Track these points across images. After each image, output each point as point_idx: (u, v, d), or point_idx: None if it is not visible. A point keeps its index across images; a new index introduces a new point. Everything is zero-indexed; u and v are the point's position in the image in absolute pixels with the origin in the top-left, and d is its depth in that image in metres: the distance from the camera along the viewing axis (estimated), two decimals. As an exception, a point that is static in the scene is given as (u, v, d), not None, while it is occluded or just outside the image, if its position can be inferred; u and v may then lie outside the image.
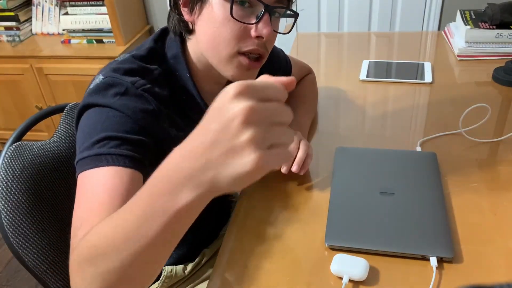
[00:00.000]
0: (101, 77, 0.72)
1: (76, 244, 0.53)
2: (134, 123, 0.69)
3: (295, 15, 0.78)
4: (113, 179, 0.61)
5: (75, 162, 0.67)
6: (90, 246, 0.50)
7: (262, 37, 0.73)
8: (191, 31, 0.78)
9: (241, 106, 0.39)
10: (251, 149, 0.40)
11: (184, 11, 0.76)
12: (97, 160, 0.63)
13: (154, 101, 0.72)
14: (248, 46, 0.74)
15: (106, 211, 0.56)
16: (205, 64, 0.80)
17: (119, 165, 0.62)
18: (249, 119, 0.39)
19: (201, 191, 0.43)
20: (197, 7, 0.73)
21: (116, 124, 0.67)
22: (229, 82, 0.87)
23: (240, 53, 0.74)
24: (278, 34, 0.78)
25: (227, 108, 0.40)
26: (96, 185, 0.62)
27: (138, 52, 0.78)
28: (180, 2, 0.75)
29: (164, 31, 0.82)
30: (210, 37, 0.74)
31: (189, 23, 0.77)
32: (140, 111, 0.69)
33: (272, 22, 0.73)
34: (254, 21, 0.72)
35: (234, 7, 0.70)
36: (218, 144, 0.41)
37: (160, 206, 0.44)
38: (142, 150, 0.67)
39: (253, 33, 0.73)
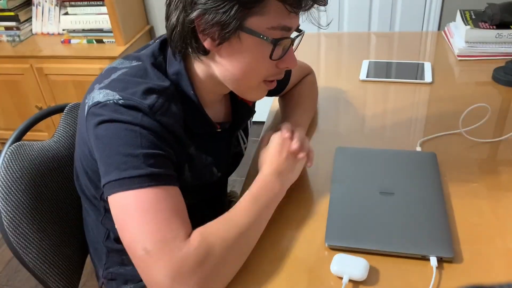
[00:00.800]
0: (117, 96, 0.69)
1: (192, 250, 0.65)
2: (163, 140, 0.71)
3: (302, 33, 0.79)
4: (177, 196, 0.70)
5: (119, 177, 0.66)
6: (221, 245, 0.67)
7: (290, 68, 0.76)
8: (206, 54, 0.74)
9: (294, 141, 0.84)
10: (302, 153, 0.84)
11: (206, 40, 0.71)
12: (152, 179, 0.67)
13: (170, 124, 0.72)
14: (275, 76, 0.78)
15: (182, 224, 0.67)
16: (213, 82, 0.78)
17: (174, 185, 0.70)
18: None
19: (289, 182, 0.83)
20: (226, 41, 0.70)
21: (153, 142, 0.69)
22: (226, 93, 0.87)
23: (266, 81, 0.78)
24: None
25: (286, 143, 0.84)
26: (166, 203, 0.67)
27: (145, 71, 0.75)
28: (199, 29, 0.70)
29: (163, 44, 0.80)
30: (240, 70, 0.73)
31: (206, 48, 0.73)
32: (163, 132, 0.71)
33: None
34: (280, 52, 0.73)
35: (271, 47, 0.71)
36: (290, 157, 0.83)
37: (271, 200, 0.78)
38: (172, 165, 0.73)
39: (281, 65, 0.75)
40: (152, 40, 0.85)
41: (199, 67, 0.78)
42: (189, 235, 0.67)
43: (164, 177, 0.68)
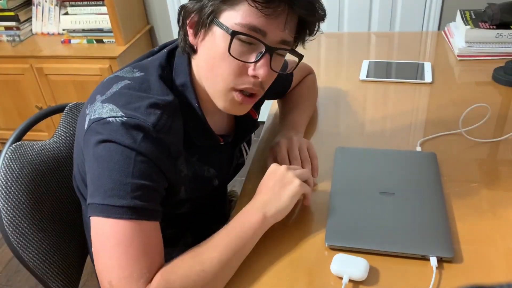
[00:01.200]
0: (120, 113, 0.68)
1: None
2: (158, 168, 0.70)
3: (299, 57, 0.76)
4: (155, 232, 0.69)
5: (102, 202, 0.66)
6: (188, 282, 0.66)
7: (258, 77, 0.71)
8: (195, 51, 0.75)
9: (290, 172, 0.78)
10: (295, 179, 0.78)
11: (190, 32, 0.73)
12: (134, 212, 0.66)
13: (172, 143, 0.72)
14: (243, 84, 0.72)
15: (151, 264, 0.66)
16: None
17: (154, 220, 0.69)
18: (293, 173, 0.79)
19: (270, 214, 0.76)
20: (201, 33, 0.71)
21: (146, 171, 0.68)
22: None
23: (235, 89, 0.73)
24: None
25: (283, 174, 0.78)
26: (141, 238, 0.66)
27: (149, 83, 0.74)
28: (188, 22, 0.72)
29: (170, 54, 0.79)
30: (209, 67, 0.73)
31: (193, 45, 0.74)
32: (161, 156, 0.70)
33: (273, 62, 0.71)
34: (253, 59, 0.70)
35: (234, 44, 0.68)
36: (276, 184, 0.77)
37: (246, 232, 0.72)
38: (159, 198, 0.72)
39: (250, 71, 0.71)
40: (157, 47, 0.84)
41: (196, 69, 0.77)
42: (155, 274, 0.67)
43: (147, 211, 0.67)
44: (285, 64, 1.05)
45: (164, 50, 0.80)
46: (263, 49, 0.70)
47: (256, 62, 0.70)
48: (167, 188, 0.75)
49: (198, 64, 0.76)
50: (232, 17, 0.68)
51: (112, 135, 0.67)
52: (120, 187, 0.66)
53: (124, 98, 0.71)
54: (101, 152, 0.68)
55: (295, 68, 0.81)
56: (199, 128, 0.79)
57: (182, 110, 0.75)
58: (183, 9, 0.73)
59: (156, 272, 0.67)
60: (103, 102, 0.71)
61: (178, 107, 0.74)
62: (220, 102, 0.76)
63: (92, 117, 0.70)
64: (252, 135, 0.99)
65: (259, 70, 0.70)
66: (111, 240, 0.65)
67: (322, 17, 0.72)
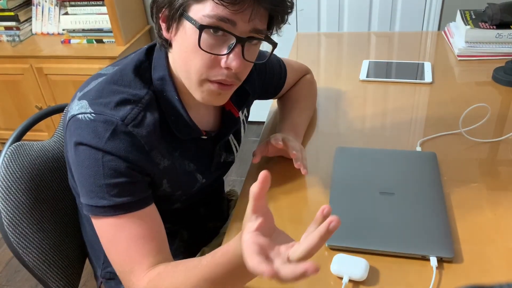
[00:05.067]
0: (89, 109, 0.70)
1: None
2: (129, 163, 0.70)
3: (273, 45, 0.74)
4: (145, 219, 0.71)
5: (88, 203, 0.70)
6: None
7: (232, 69, 0.70)
8: (170, 46, 0.74)
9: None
10: None
11: (163, 27, 0.72)
12: (115, 209, 0.69)
13: (144, 135, 0.71)
14: (217, 76, 0.71)
15: (146, 254, 0.69)
16: None
17: (142, 208, 0.71)
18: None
19: None
20: (173, 27, 0.70)
21: (116, 169, 0.69)
22: None
23: (210, 80, 0.72)
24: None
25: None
26: (125, 232, 0.70)
27: (124, 77, 0.74)
28: (160, 16, 0.71)
29: (149, 50, 0.79)
30: (183, 60, 0.72)
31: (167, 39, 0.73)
32: (131, 151, 0.70)
33: (246, 52, 0.70)
34: (225, 51, 0.69)
35: (205, 36, 0.67)
36: None
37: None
38: (144, 186, 0.74)
39: (223, 63, 0.69)
40: (147, 45, 0.85)
41: (172, 63, 0.77)
42: (150, 266, 0.69)
43: (129, 205, 0.69)
44: (279, 63, 1.05)
45: (145, 46, 0.80)
46: (234, 40, 0.68)
47: (228, 54, 0.68)
48: (149, 179, 0.76)
49: (174, 58, 0.76)
50: (200, 10, 0.66)
51: (81, 135, 0.69)
52: (97, 189, 0.69)
53: (95, 93, 0.73)
54: (75, 157, 0.71)
55: (270, 56, 0.79)
56: (180, 120, 0.78)
57: (162, 103, 0.76)
58: (154, 4, 0.72)
59: (151, 262, 0.69)
60: (79, 99, 0.73)
61: (153, 101, 0.75)
62: (197, 94, 0.74)
63: (69, 114, 0.73)
64: (243, 133, 0.99)
65: (232, 62, 0.68)
66: (103, 237, 0.71)
67: (289, 7, 0.71)
